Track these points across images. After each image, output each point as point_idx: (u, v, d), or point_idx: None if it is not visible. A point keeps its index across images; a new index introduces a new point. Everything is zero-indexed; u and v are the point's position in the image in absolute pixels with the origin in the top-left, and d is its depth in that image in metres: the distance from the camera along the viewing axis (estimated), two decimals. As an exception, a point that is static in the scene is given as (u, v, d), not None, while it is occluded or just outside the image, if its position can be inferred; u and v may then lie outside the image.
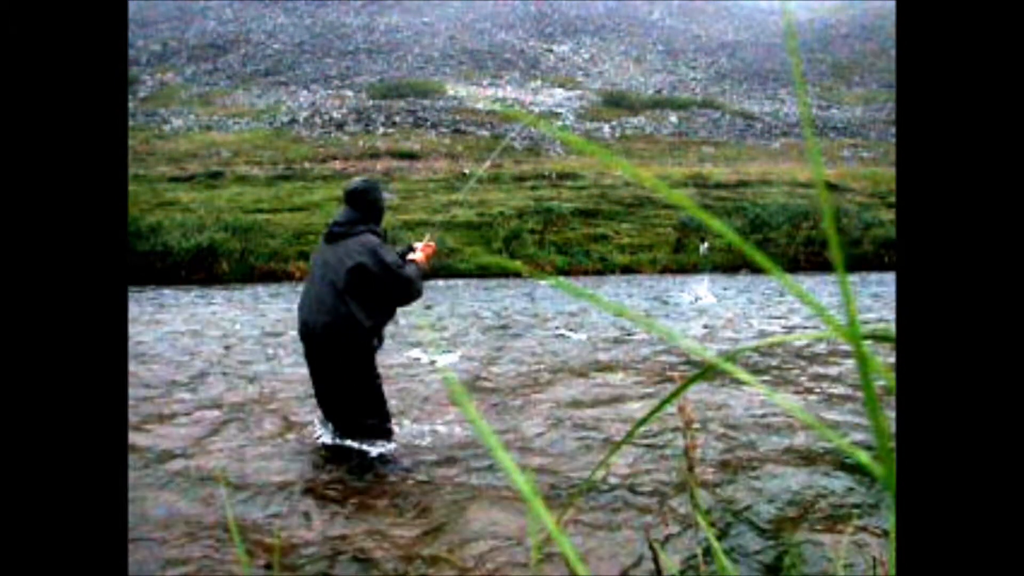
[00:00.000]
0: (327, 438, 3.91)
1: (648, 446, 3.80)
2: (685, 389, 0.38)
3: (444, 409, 4.75)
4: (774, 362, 6.33)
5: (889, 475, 0.28)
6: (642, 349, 7.18)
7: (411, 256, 3.88)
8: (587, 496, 3.10)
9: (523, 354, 6.94)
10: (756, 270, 21.76)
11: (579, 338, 8.06)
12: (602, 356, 6.81)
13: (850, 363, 6.18)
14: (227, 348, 7.45)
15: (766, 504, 3.02)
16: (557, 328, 8.98)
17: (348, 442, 3.78)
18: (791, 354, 6.65)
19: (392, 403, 4.00)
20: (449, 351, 7.18)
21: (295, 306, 3.83)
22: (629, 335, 8.19)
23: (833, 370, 5.93)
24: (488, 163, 5.11)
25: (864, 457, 0.31)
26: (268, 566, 2.51)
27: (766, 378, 5.69)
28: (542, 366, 6.28)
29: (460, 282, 18.53)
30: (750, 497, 3.09)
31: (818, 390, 5.24)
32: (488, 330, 8.86)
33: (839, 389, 5.24)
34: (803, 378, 5.68)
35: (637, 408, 4.71)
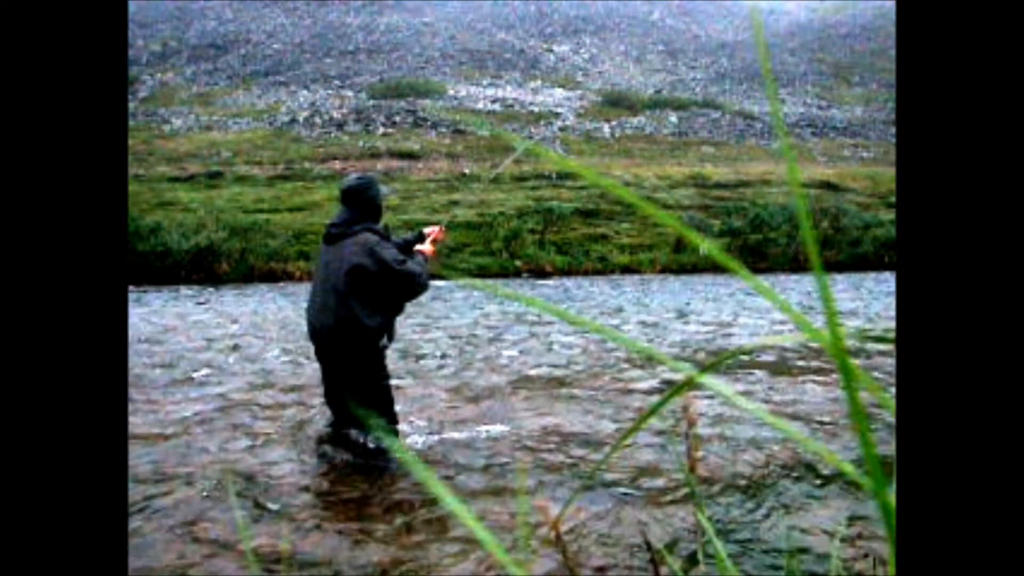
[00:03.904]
0: (330, 437, 3.91)
1: (653, 444, 3.80)
2: (669, 400, 0.38)
3: (449, 410, 4.75)
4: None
5: (878, 487, 0.27)
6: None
7: (418, 247, 3.87)
8: (588, 494, 3.10)
9: (567, 349, 6.96)
10: (757, 270, 21.73)
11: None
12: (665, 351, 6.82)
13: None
14: (226, 347, 7.45)
15: (766, 505, 3.02)
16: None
17: (352, 440, 3.78)
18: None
19: (398, 403, 3.99)
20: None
21: (294, 305, 3.82)
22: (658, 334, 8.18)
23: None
24: (502, 167, 5.13)
25: (849, 468, 0.31)
26: (264, 567, 2.51)
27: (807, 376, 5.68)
28: (589, 360, 6.29)
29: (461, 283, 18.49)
30: (752, 498, 3.09)
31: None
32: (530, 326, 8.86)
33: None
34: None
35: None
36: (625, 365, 6.29)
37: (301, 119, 43.56)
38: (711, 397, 4.77)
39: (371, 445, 3.75)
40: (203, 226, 20.11)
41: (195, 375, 5.97)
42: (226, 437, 4.10)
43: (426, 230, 4.03)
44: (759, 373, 5.84)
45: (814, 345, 6.93)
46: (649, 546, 2.49)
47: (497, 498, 3.13)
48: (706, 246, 0.29)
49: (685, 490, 3.10)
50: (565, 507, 2.94)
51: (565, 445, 3.92)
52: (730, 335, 8.40)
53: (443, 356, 6.88)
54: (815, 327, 0.29)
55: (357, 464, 3.60)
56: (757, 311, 10.95)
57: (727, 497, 3.10)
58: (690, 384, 0.37)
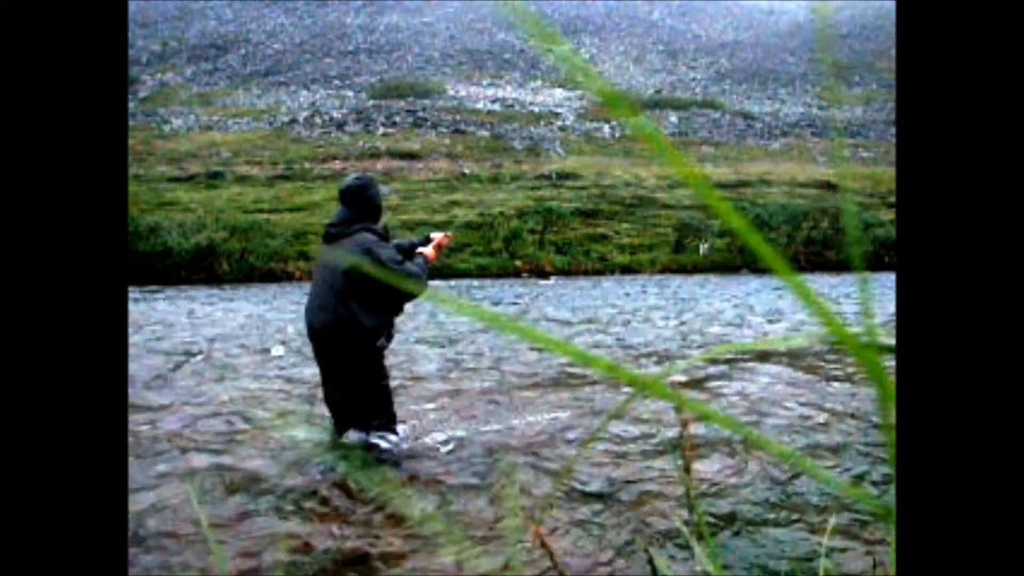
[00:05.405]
0: (331, 437, 3.91)
1: (645, 443, 3.80)
2: (632, 402, 0.37)
3: (449, 410, 4.75)
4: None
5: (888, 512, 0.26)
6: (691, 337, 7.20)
7: (420, 249, 3.89)
8: (583, 496, 3.10)
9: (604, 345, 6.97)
10: (757, 270, 21.73)
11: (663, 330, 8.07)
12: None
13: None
14: (226, 347, 7.45)
15: (764, 506, 3.02)
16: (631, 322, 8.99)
17: (352, 440, 3.78)
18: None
19: (399, 403, 3.99)
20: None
21: (294, 305, 3.82)
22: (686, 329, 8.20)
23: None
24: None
25: (843, 486, 0.29)
26: (261, 566, 2.51)
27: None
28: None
29: (466, 281, 18.52)
30: (747, 499, 3.10)
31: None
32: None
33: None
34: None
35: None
36: (632, 365, 6.29)
37: (301, 119, 43.57)
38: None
39: (371, 445, 3.75)
40: (203, 226, 20.13)
41: (193, 375, 5.97)
42: (224, 437, 4.10)
43: (433, 235, 4.06)
44: (776, 368, 5.84)
45: (797, 348, 6.93)
46: (646, 549, 2.49)
47: (489, 498, 3.13)
48: (764, 249, 0.28)
49: (680, 491, 3.10)
50: (544, 509, 2.94)
51: (564, 446, 3.92)
52: (744, 337, 8.41)
53: (442, 356, 6.88)
54: (847, 330, 0.29)
55: (356, 464, 3.60)
56: (762, 312, 10.96)
57: (724, 497, 3.10)
58: (651, 387, 0.36)
